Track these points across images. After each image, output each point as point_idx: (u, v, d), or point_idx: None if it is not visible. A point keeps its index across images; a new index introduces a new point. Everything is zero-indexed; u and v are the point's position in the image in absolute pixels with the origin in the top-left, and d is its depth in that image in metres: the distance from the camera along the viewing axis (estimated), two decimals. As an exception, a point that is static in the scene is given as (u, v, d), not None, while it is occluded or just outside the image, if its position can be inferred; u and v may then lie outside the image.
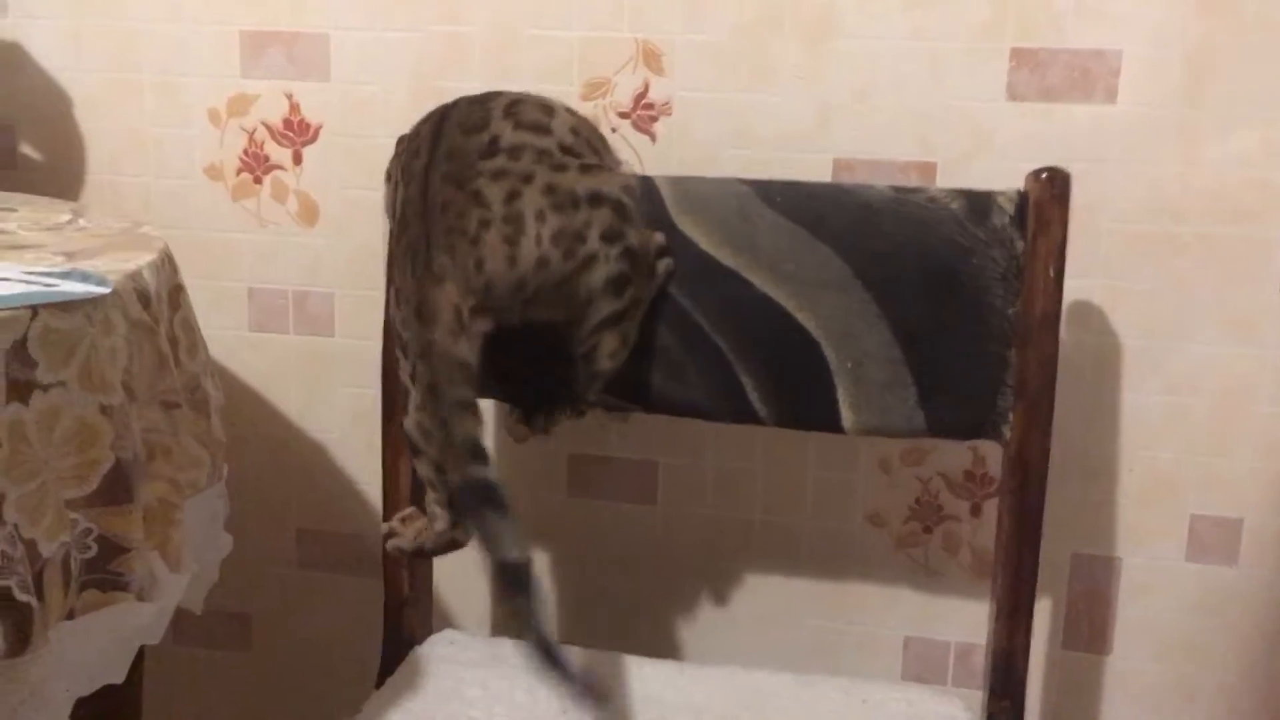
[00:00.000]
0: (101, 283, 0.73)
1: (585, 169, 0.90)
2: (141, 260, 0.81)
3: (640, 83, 1.13)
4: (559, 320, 0.91)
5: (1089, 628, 1.17)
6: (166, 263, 0.86)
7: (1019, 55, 1.07)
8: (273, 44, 1.19)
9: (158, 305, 0.81)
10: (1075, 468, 1.13)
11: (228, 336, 1.26)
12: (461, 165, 0.88)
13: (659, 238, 0.98)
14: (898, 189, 0.98)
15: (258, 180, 1.22)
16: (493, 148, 0.88)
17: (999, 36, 1.07)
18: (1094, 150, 1.08)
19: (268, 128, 1.21)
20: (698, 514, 1.21)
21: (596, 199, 0.89)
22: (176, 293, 0.87)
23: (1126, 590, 1.15)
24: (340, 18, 1.17)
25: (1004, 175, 1.05)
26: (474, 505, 0.82)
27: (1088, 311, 1.11)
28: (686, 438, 1.19)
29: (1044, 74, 1.07)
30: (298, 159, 1.21)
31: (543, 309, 0.89)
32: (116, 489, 0.72)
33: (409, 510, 1.00)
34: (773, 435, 1.01)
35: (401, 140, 0.97)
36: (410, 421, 0.91)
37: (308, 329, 1.24)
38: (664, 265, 0.99)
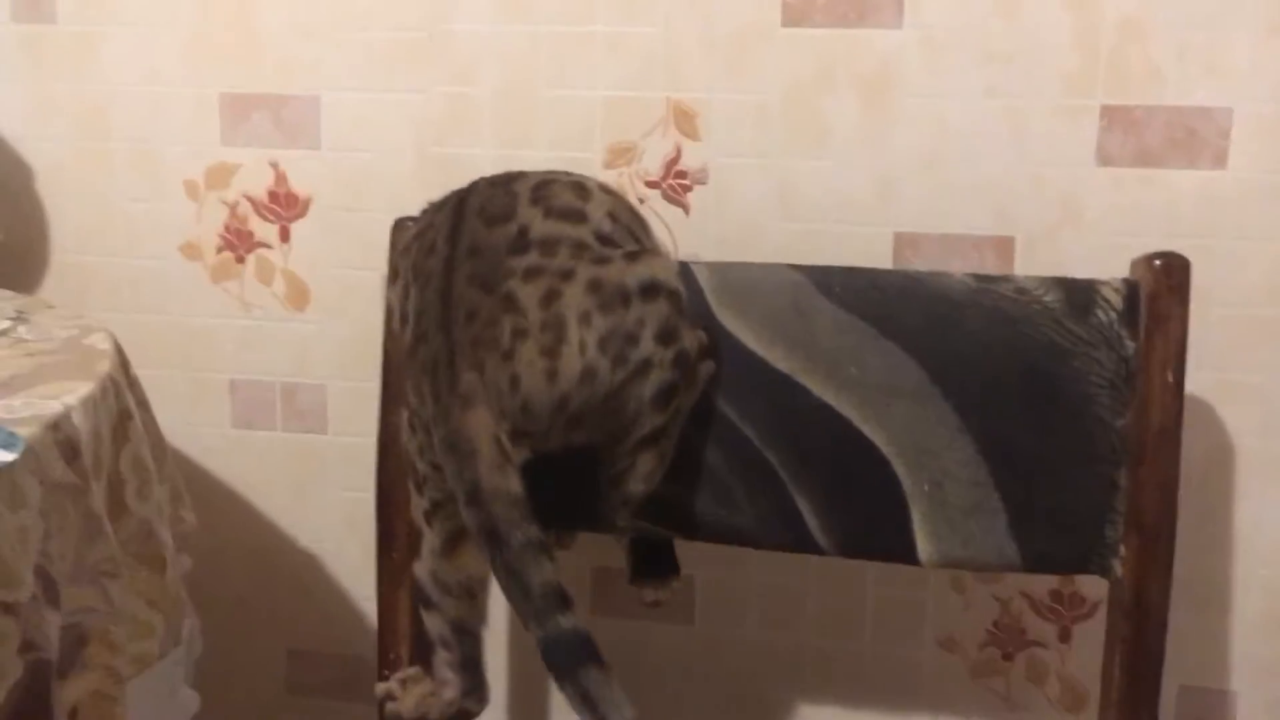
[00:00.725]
0: (8, 446, 0.59)
1: (631, 256, 0.79)
2: (73, 396, 0.67)
3: (671, 147, 1.04)
4: (598, 442, 0.80)
5: (1197, 771, 1.05)
6: (111, 391, 0.72)
7: (1111, 114, 0.98)
8: (257, 108, 1.11)
9: (93, 451, 0.67)
10: (1183, 589, 1.00)
11: (207, 434, 1.17)
12: (488, 264, 0.77)
13: (703, 336, 0.85)
14: (980, 278, 0.87)
15: (240, 260, 1.14)
16: (522, 241, 0.77)
17: (1088, 92, 0.98)
18: (1201, 224, 0.98)
19: (251, 201, 1.12)
20: (740, 637, 1.12)
21: (650, 290, 0.78)
22: (124, 424, 0.74)
23: (1242, 729, 1.05)
24: (332, 78, 1.09)
25: (1095, 254, 0.99)
26: (566, 663, 0.73)
27: (1197, 408, 0.99)
28: (727, 549, 1.06)
29: (1141, 135, 0.98)
30: (285, 235, 1.12)
31: (585, 430, 0.78)
32: (29, 703, 0.59)
33: (412, 671, 0.89)
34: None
35: (401, 225, 0.86)
36: (423, 569, 0.83)
37: (297, 425, 1.16)
38: (705, 369, 0.86)
